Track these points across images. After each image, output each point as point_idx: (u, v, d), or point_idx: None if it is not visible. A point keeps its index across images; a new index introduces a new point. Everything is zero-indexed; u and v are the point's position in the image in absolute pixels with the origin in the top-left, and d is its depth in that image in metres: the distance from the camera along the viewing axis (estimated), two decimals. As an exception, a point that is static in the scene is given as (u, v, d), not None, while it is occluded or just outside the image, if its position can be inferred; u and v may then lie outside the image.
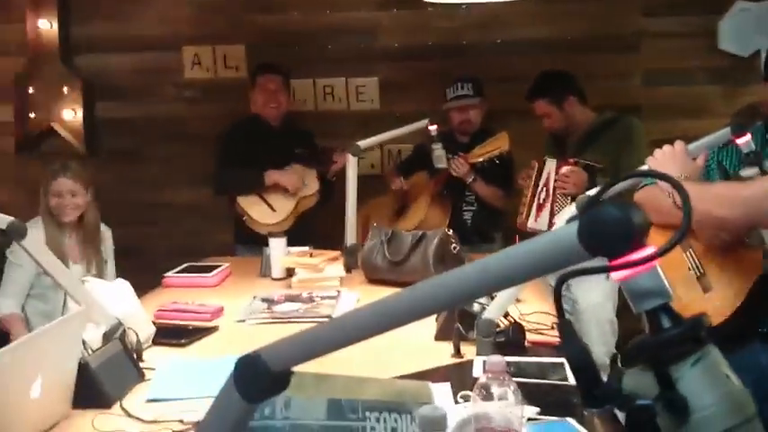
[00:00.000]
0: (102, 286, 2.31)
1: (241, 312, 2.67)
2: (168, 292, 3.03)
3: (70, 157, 3.88)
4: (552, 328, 2.27)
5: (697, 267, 2.06)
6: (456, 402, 1.72)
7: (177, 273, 3.22)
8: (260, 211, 3.82)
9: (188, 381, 1.97)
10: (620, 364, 0.71)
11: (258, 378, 0.87)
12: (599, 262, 0.70)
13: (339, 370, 1.47)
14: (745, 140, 1.93)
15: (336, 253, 3.24)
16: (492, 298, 2.14)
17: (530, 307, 2.49)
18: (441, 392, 1.76)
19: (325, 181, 3.94)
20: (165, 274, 3.20)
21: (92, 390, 1.83)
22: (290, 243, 3.25)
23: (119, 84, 4.65)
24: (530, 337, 2.21)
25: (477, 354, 2.04)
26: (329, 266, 3.12)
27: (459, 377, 1.92)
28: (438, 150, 3.71)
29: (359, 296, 2.83)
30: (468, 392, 1.58)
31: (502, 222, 3.92)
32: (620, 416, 1.16)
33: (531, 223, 3.47)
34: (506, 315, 2.19)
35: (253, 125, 3.97)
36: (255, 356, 0.88)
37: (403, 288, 0.82)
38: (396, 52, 4.53)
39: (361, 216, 3.61)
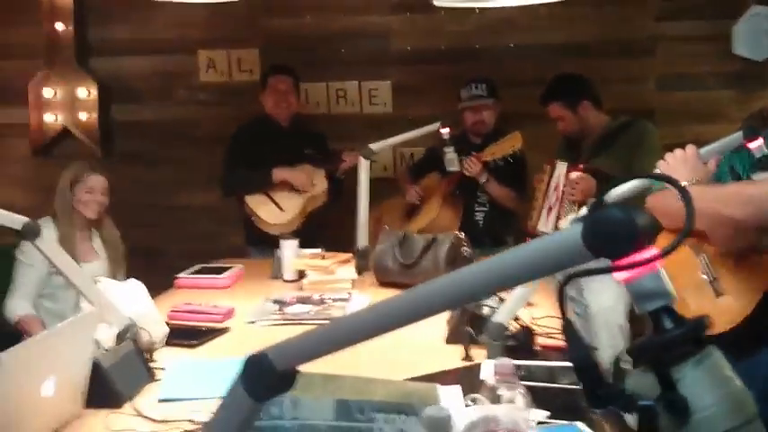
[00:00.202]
0: (116, 286, 2.32)
1: (252, 314, 2.68)
2: (181, 294, 3.04)
3: (84, 160, 3.90)
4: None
5: (710, 272, 2.05)
6: (466, 405, 1.72)
7: (190, 274, 3.24)
8: (268, 211, 3.83)
9: (198, 381, 1.98)
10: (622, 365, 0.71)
11: (264, 376, 0.88)
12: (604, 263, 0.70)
13: (348, 372, 1.48)
14: (757, 145, 1.92)
15: (348, 255, 3.25)
16: (502, 301, 2.15)
17: (541, 311, 2.48)
18: (451, 395, 1.77)
19: (334, 180, 3.95)
20: (178, 276, 3.21)
21: (104, 389, 1.85)
22: (301, 244, 3.26)
23: (134, 87, 4.69)
24: (540, 341, 2.21)
25: (488, 357, 2.04)
26: (341, 269, 3.12)
27: (468, 380, 1.92)
28: (450, 153, 3.71)
29: (370, 299, 2.84)
30: (477, 395, 1.58)
31: (514, 224, 3.92)
32: (630, 420, 1.16)
33: (540, 226, 3.46)
34: (517, 319, 2.19)
35: (261, 125, 3.98)
36: (262, 355, 0.89)
37: (412, 290, 0.83)
38: (408, 56, 4.54)
39: (372, 218, 3.62)
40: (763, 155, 1.92)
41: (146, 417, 1.79)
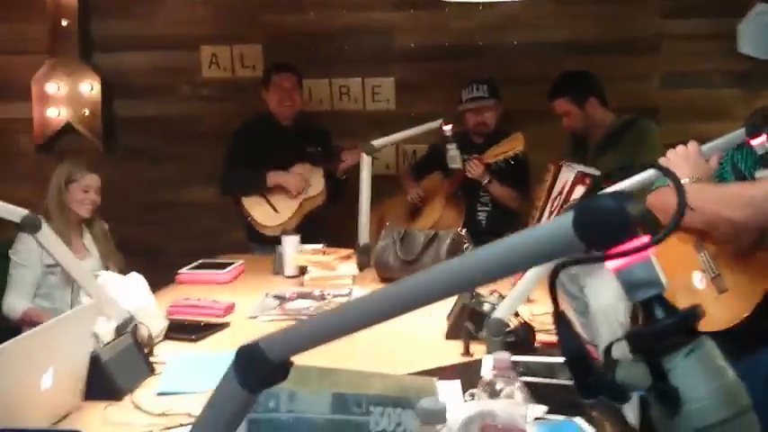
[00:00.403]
0: (116, 280, 2.32)
1: (253, 309, 2.68)
2: (182, 289, 3.04)
3: (87, 155, 3.91)
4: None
5: (711, 268, 2.04)
6: (465, 400, 1.72)
7: (191, 269, 3.24)
8: (263, 212, 3.83)
9: (197, 375, 1.98)
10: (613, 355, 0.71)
11: (257, 367, 0.88)
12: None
13: (348, 366, 1.48)
14: (760, 142, 1.91)
15: (349, 251, 3.25)
16: (502, 298, 2.14)
17: (541, 307, 2.47)
18: (450, 389, 1.76)
19: (334, 180, 3.94)
20: (179, 271, 3.21)
21: (102, 382, 1.85)
22: (302, 242, 3.26)
23: (137, 82, 4.69)
24: (540, 337, 2.20)
25: (488, 353, 2.04)
26: (342, 265, 3.13)
27: (468, 375, 1.91)
28: (452, 151, 3.70)
29: (371, 295, 2.83)
30: (475, 390, 1.58)
31: (516, 224, 3.90)
32: (630, 418, 1.15)
33: (542, 226, 3.44)
34: (517, 315, 2.18)
35: (264, 124, 3.98)
36: (254, 345, 0.88)
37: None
38: (412, 53, 4.53)
39: (375, 216, 3.61)
40: (765, 152, 1.90)
41: (144, 410, 1.80)
